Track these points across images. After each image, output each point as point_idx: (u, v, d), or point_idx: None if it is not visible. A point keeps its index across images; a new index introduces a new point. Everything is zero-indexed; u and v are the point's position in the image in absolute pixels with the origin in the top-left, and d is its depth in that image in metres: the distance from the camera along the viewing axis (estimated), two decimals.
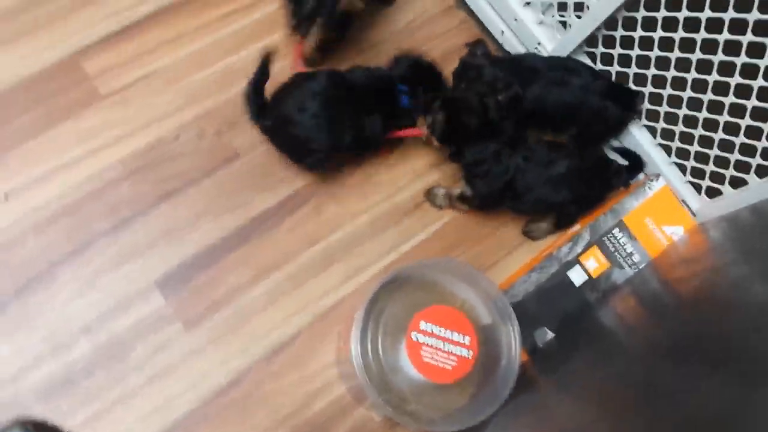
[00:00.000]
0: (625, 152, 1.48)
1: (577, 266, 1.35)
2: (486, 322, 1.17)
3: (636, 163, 1.45)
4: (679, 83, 1.32)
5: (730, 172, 1.29)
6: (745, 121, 1.21)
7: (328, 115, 1.33)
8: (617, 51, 1.40)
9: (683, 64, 1.29)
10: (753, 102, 1.18)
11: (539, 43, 1.51)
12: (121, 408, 1.28)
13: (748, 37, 1.13)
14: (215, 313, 1.37)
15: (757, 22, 1.10)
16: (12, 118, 1.39)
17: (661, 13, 1.26)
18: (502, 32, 1.60)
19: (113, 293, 1.34)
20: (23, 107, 1.41)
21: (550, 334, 1.29)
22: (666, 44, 1.30)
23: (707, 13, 1.17)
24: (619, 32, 1.37)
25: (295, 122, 1.33)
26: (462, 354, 1.10)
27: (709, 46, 1.21)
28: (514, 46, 1.59)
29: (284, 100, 1.36)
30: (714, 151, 1.30)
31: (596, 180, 1.41)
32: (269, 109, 1.37)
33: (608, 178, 1.42)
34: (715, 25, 1.18)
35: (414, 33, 1.64)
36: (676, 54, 1.28)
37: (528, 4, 1.51)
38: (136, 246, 1.37)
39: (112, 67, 1.47)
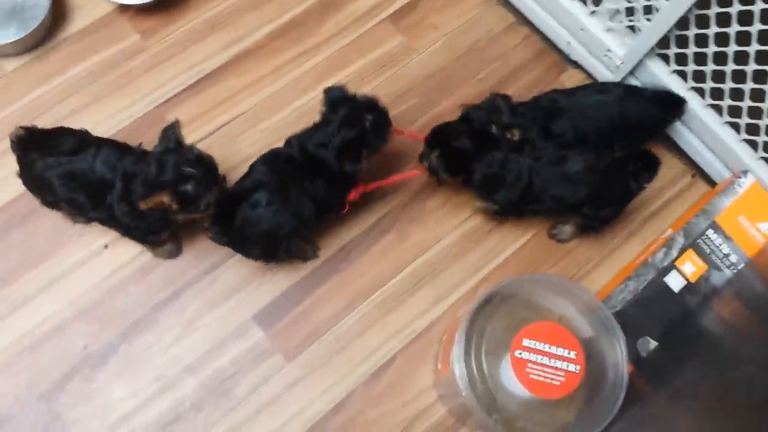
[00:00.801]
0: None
1: (674, 271, 1.32)
2: (587, 335, 1.16)
3: (651, 162, 1.38)
4: (760, 77, 1.29)
5: None
6: None
7: (280, 198, 1.30)
8: (692, 50, 1.38)
9: (763, 57, 1.26)
10: None
11: (609, 50, 1.51)
12: None
13: None
14: (313, 342, 1.40)
15: None
16: None
17: (735, 8, 1.24)
18: (568, 43, 1.61)
19: (213, 332, 1.40)
20: None
21: (654, 343, 1.26)
22: (743, 38, 1.27)
23: None
24: (692, 31, 1.35)
25: (255, 221, 1.30)
26: (569, 369, 1.09)
27: None
28: (583, 55, 1.59)
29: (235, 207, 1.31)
30: None
31: (614, 180, 1.35)
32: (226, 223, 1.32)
33: (626, 178, 1.36)
34: None
35: (480, 53, 1.66)
36: (754, 47, 1.25)
37: (594, 12, 1.51)
38: (231, 286, 1.43)
39: (196, 116, 1.54)
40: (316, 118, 1.53)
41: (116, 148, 1.30)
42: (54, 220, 1.44)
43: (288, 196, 1.30)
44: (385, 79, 1.62)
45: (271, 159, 1.34)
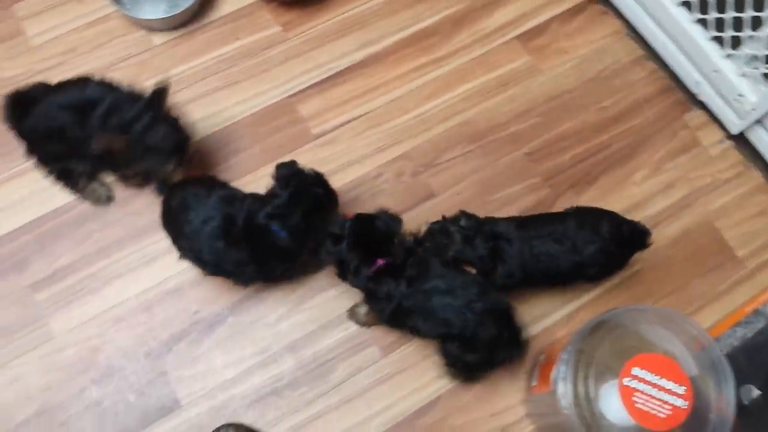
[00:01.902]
0: None
1: None
2: (692, 373, 1.15)
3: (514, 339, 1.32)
4: None
5: None
6: None
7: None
8: None
9: None
10: None
11: (740, 95, 1.49)
12: (321, 423, 1.37)
13: None
14: (408, 341, 1.44)
15: None
16: (239, 150, 1.57)
17: None
18: (697, 83, 1.60)
19: (317, 315, 1.45)
20: (249, 141, 1.58)
21: (757, 392, 1.24)
22: None
23: None
24: None
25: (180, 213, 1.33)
26: (677, 403, 1.08)
27: None
28: (711, 96, 1.58)
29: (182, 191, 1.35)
30: None
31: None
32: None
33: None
34: None
35: (605, 82, 1.67)
36: None
37: (730, 55, 1.50)
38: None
39: (323, 110, 1.61)
40: (435, 126, 1.61)
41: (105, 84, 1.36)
42: None
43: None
44: (507, 96, 1.65)
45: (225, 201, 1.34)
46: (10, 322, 1.40)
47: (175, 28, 1.64)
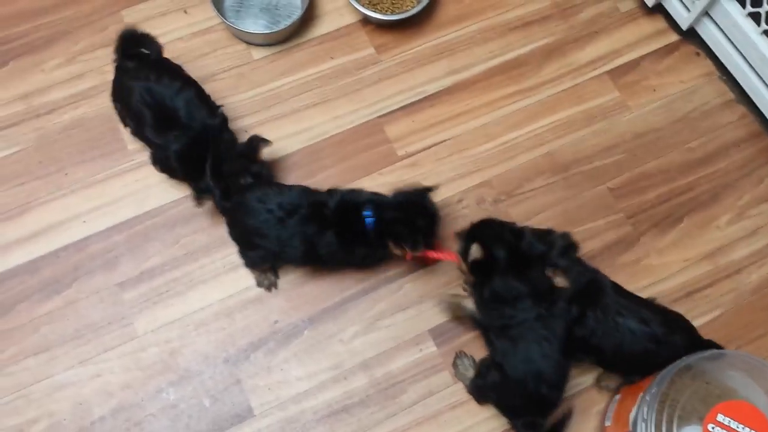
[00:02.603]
0: None
1: None
2: None
3: None
4: None
5: None
6: None
7: (282, 220, 1.35)
8: None
9: None
10: None
11: None
12: None
13: None
14: None
15: None
16: (326, 167, 1.59)
17: None
18: None
19: (392, 335, 1.46)
20: (336, 158, 1.60)
21: None
22: None
23: None
24: None
25: (254, 213, 1.37)
26: None
27: None
28: None
29: (250, 193, 1.39)
30: None
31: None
32: (233, 193, 1.41)
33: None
34: None
35: (693, 123, 1.66)
36: None
37: None
38: (416, 296, 1.49)
39: (409, 133, 1.63)
40: (519, 155, 1.61)
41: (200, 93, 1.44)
42: None
43: (288, 227, 1.36)
44: (593, 130, 1.65)
45: (308, 192, 1.41)
46: (98, 319, 1.45)
47: (275, 44, 1.69)
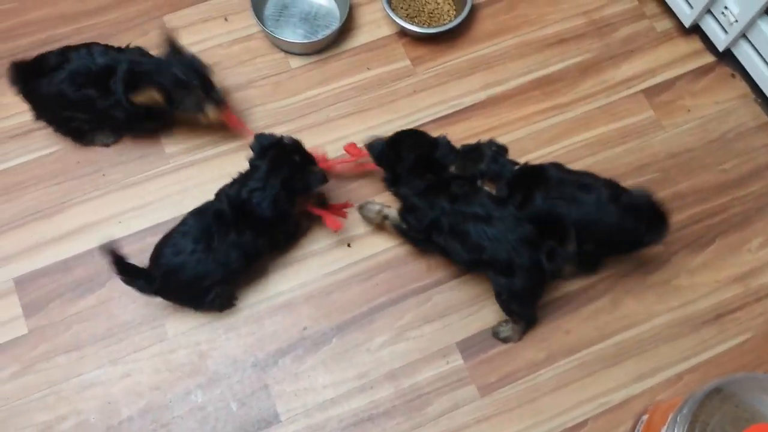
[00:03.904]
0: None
1: None
2: None
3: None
4: None
5: None
6: None
7: (205, 246, 1.35)
8: None
9: None
10: None
11: None
12: None
13: None
14: (507, 384, 1.43)
15: None
16: (358, 176, 1.60)
17: None
18: None
19: (420, 347, 1.46)
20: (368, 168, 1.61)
21: None
22: None
23: None
24: None
25: (178, 268, 1.36)
26: None
27: None
28: None
29: (160, 253, 1.38)
30: None
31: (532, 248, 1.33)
32: (152, 270, 1.38)
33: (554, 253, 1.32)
34: None
35: (728, 145, 1.65)
36: None
37: None
38: (444, 308, 1.49)
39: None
40: None
41: (105, 45, 1.47)
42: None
43: (214, 246, 1.36)
44: (627, 148, 1.65)
45: (199, 212, 1.40)
46: (129, 319, 1.46)
47: (312, 53, 1.70)
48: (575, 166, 1.60)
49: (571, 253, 1.32)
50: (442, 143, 1.43)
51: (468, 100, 1.68)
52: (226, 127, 1.57)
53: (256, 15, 1.66)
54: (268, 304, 1.49)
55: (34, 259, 1.49)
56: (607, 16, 1.78)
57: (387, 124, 1.65)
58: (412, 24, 1.68)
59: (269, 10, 1.73)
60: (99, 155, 1.58)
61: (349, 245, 1.54)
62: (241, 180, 1.40)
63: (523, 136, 1.66)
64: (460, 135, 1.64)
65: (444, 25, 1.70)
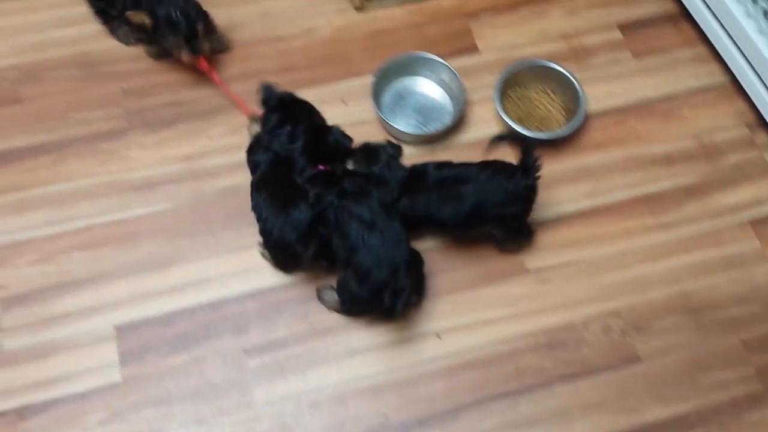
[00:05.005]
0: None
1: None
2: None
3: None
4: None
5: None
6: None
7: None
8: None
9: None
10: None
11: None
12: None
13: None
14: None
15: None
16: (451, 270, 1.61)
17: None
18: None
19: None
20: (460, 262, 1.62)
21: None
22: None
23: None
24: None
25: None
26: None
27: None
28: None
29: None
30: None
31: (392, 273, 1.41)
32: None
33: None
34: None
35: None
36: None
37: None
38: (533, 416, 1.47)
39: (541, 248, 1.64)
40: (652, 290, 1.60)
41: None
42: None
43: None
44: (730, 277, 1.62)
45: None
46: (219, 381, 1.48)
47: (422, 143, 1.76)
48: (675, 288, 1.61)
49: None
50: (336, 130, 1.59)
51: (571, 207, 1.69)
52: None
53: (375, 101, 1.74)
54: (354, 386, 1.49)
55: (138, 309, 1.54)
56: (718, 142, 1.79)
57: None
58: (522, 127, 1.73)
59: (386, 99, 1.80)
60: (213, 217, 1.65)
61: (439, 337, 1.54)
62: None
63: (624, 249, 1.65)
64: (562, 241, 1.65)
65: (553, 132, 1.74)
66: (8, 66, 1.83)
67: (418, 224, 1.56)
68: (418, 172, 1.56)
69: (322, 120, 1.64)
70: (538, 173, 1.50)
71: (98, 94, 1.79)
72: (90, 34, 1.87)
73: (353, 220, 1.44)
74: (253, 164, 1.61)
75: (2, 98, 1.79)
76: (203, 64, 1.75)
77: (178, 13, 1.65)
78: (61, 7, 1.92)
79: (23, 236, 1.61)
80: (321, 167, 1.55)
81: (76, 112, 1.76)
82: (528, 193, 1.53)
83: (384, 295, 1.39)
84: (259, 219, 1.53)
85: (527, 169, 1.49)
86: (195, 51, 1.71)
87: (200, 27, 1.71)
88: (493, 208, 1.51)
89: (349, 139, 1.60)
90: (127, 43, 1.85)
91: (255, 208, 1.54)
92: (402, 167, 1.57)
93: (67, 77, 1.82)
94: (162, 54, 1.82)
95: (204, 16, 1.75)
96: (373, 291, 1.41)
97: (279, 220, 1.47)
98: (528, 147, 1.49)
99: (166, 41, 1.71)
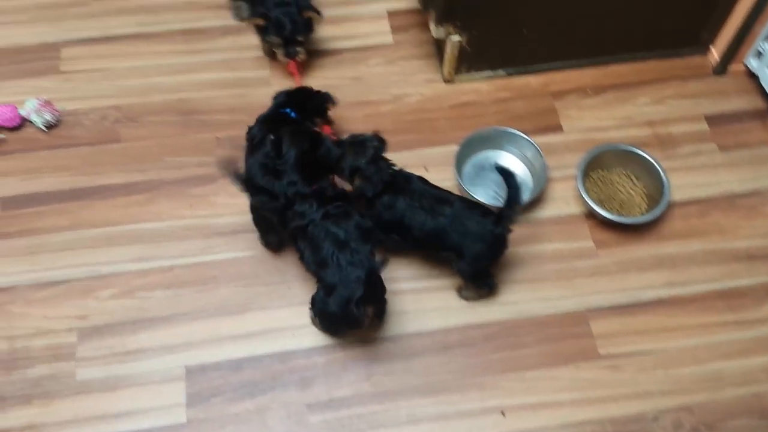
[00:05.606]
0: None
1: None
2: None
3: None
4: None
5: None
6: None
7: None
8: None
9: None
10: None
11: None
12: None
13: None
14: None
15: None
16: (521, 346, 1.60)
17: None
18: None
19: None
20: (533, 338, 1.61)
21: None
22: None
23: None
24: None
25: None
26: None
27: None
28: None
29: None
30: None
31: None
32: None
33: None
34: None
35: None
36: None
37: None
38: None
39: (615, 333, 1.62)
40: (726, 388, 1.54)
41: None
42: (461, 361, 1.59)
43: None
44: None
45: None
46: None
47: None
48: (751, 390, 1.55)
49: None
50: (327, 140, 1.63)
51: (648, 295, 1.67)
52: None
53: (457, 170, 1.78)
54: None
55: (210, 352, 1.57)
56: None
57: (560, 299, 1.66)
58: (603, 209, 1.73)
59: (468, 168, 1.84)
60: (289, 267, 1.68)
61: (503, 414, 1.51)
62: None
63: (701, 344, 1.61)
64: (637, 328, 1.63)
65: (634, 217, 1.73)
66: (110, 106, 1.95)
67: (390, 228, 1.60)
68: (404, 176, 1.63)
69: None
70: (511, 226, 1.54)
71: (193, 141, 1.88)
72: (190, 84, 1.99)
73: (328, 238, 1.48)
74: None
75: (102, 136, 1.90)
76: (292, 67, 1.97)
77: (286, 17, 1.89)
78: (165, 56, 2.05)
79: (108, 270, 1.68)
80: (315, 186, 1.59)
81: (171, 156, 1.85)
82: (495, 240, 1.56)
83: (350, 307, 1.43)
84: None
85: (502, 217, 1.53)
86: (289, 54, 1.93)
87: (301, 38, 1.93)
88: (459, 237, 1.55)
89: (342, 145, 1.65)
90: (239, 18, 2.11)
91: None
92: (389, 166, 1.62)
93: (164, 122, 1.92)
94: (270, 53, 2.03)
95: (310, 30, 1.97)
96: (340, 304, 1.45)
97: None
98: (512, 199, 1.53)
99: (270, 39, 1.94)
